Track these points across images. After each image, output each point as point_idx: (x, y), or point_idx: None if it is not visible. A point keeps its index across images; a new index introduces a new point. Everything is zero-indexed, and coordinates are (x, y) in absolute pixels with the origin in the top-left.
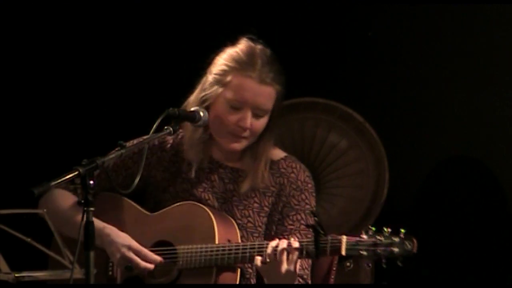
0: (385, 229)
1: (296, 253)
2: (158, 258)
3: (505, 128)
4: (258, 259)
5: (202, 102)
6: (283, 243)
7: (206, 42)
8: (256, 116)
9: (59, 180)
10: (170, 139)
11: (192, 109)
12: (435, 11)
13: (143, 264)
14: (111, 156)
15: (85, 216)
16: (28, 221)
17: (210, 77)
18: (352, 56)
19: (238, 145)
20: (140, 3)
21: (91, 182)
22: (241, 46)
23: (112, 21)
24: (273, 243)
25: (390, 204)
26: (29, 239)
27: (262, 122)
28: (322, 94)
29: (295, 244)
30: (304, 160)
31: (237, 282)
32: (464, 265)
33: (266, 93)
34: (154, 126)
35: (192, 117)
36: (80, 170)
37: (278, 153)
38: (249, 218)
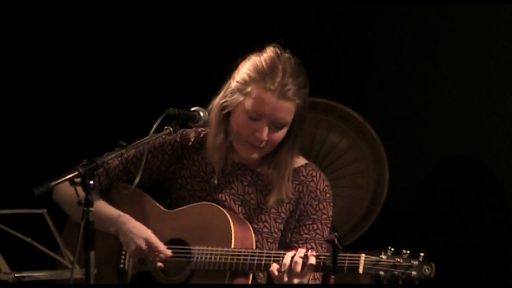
0: (404, 251)
1: (312, 267)
2: (170, 252)
3: (505, 128)
4: (275, 267)
5: (223, 108)
6: (300, 255)
7: (206, 42)
8: (275, 128)
9: (59, 180)
10: (192, 136)
11: (193, 109)
12: (435, 11)
13: (156, 258)
14: (111, 156)
15: (85, 216)
16: (28, 221)
17: (233, 83)
18: (352, 56)
19: (255, 155)
20: (141, 3)
21: (91, 182)
22: (265, 55)
23: (113, 22)
24: (290, 254)
25: (390, 204)
26: (29, 239)
27: (280, 134)
28: (322, 94)
29: (312, 259)
30: None
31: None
32: (464, 265)
33: (285, 108)
34: (154, 126)
35: (192, 117)
36: (80, 170)
37: (299, 160)
38: (266, 223)
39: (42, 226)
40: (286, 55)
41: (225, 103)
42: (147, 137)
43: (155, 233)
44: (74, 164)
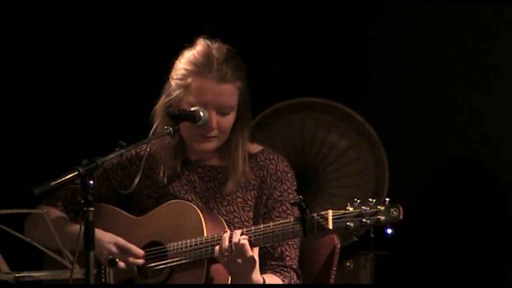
0: (370, 200)
1: (245, 242)
2: (142, 251)
3: (505, 128)
4: (216, 250)
5: (167, 107)
6: (237, 235)
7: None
8: (222, 114)
9: (59, 180)
10: (147, 147)
11: (192, 109)
12: (435, 11)
13: (131, 259)
14: (111, 156)
15: (85, 216)
16: None
17: (172, 82)
18: (352, 56)
19: (210, 145)
20: (141, 3)
21: (91, 182)
22: (197, 47)
23: (113, 22)
24: (227, 235)
25: None
26: (29, 239)
27: (229, 119)
28: (322, 94)
29: (243, 238)
30: (304, 160)
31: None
32: (464, 265)
33: (226, 91)
34: (154, 126)
35: (192, 116)
36: (80, 170)
37: (255, 147)
38: (235, 214)
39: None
40: (216, 43)
41: (169, 102)
42: (147, 138)
43: (130, 241)
44: (74, 164)
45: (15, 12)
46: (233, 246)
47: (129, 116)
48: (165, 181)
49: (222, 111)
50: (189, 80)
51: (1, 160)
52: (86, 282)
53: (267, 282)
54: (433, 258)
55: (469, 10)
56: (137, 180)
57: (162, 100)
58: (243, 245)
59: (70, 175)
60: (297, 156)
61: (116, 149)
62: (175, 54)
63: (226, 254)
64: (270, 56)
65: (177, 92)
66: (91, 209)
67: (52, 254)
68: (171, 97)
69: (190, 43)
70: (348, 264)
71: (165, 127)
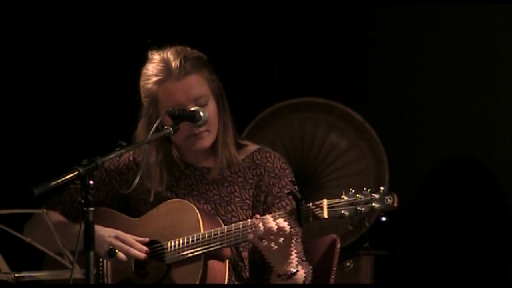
0: (365, 188)
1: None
2: (144, 247)
3: (505, 128)
4: (251, 236)
5: (149, 125)
6: (269, 221)
7: (207, 43)
8: (200, 106)
9: (59, 180)
10: (145, 151)
11: (192, 109)
12: (435, 11)
13: (133, 251)
14: (111, 156)
15: (85, 216)
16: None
17: (144, 102)
18: (352, 56)
19: (203, 141)
20: (141, 3)
21: (91, 182)
22: (152, 59)
23: (113, 22)
24: (258, 219)
25: None
26: (29, 239)
27: (209, 109)
28: (322, 94)
29: (282, 223)
30: (304, 160)
31: (226, 271)
32: (464, 265)
33: (191, 83)
34: (154, 126)
35: (192, 116)
36: (80, 170)
37: (251, 147)
38: (233, 213)
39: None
40: (166, 49)
41: (149, 120)
42: (147, 137)
43: None
44: (74, 164)
45: (15, 12)
46: (273, 229)
47: (129, 116)
48: (163, 188)
49: (198, 104)
50: (155, 91)
51: (1, 160)
52: (86, 282)
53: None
54: (433, 258)
55: (469, 10)
56: (137, 180)
57: (143, 121)
58: (283, 227)
59: (70, 175)
60: (297, 156)
61: (116, 149)
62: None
63: (266, 238)
64: (270, 56)
65: (152, 108)
66: (91, 209)
67: (52, 254)
68: (148, 115)
69: (144, 62)
70: (348, 264)
71: (165, 127)
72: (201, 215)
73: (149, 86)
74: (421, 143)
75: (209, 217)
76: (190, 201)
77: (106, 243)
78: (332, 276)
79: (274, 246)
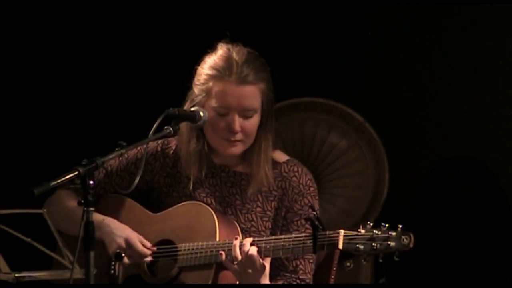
0: (383, 224)
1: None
2: (148, 251)
3: (506, 128)
4: (223, 255)
5: None
6: (247, 245)
7: (207, 43)
8: (245, 117)
9: (59, 180)
10: (173, 145)
11: (192, 109)
12: (435, 11)
13: (138, 258)
14: (111, 156)
15: (85, 216)
16: (28, 221)
17: (194, 88)
18: (352, 56)
19: (235, 149)
20: (141, 3)
21: (91, 182)
22: (218, 52)
23: (113, 22)
24: (237, 243)
25: (390, 204)
26: (29, 239)
27: (252, 122)
28: (322, 94)
29: (252, 249)
30: (304, 160)
31: (237, 280)
32: (464, 265)
33: (248, 93)
34: (154, 126)
35: (192, 117)
36: (80, 170)
37: (281, 157)
38: (253, 223)
39: (42, 226)
40: (237, 47)
41: (193, 107)
42: (147, 137)
43: (143, 235)
44: (74, 164)
45: (15, 12)
46: (243, 255)
47: (129, 116)
48: (188, 183)
49: (245, 114)
50: (211, 84)
51: (1, 160)
52: (86, 282)
53: None
54: (433, 258)
55: (469, 10)
56: (137, 180)
57: (186, 107)
58: (251, 255)
59: (70, 175)
60: (297, 156)
61: (116, 149)
62: (175, 54)
63: (236, 262)
64: (270, 56)
65: (200, 97)
66: (91, 209)
67: (52, 254)
68: (194, 103)
69: (211, 49)
70: (348, 264)
71: (165, 127)
72: (219, 222)
73: (206, 77)
74: (421, 143)
75: (227, 224)
76: (211, 202)
77: (115, 242)
78: (332, 276)
79: (241, 273)
